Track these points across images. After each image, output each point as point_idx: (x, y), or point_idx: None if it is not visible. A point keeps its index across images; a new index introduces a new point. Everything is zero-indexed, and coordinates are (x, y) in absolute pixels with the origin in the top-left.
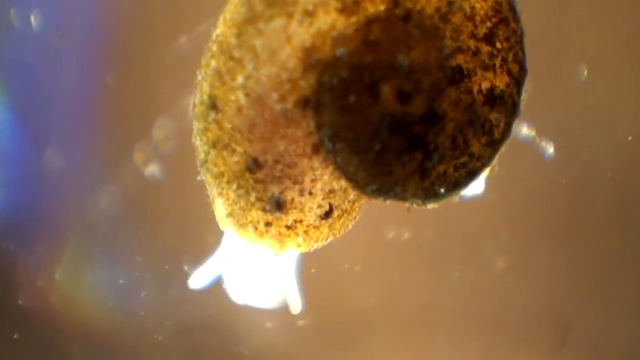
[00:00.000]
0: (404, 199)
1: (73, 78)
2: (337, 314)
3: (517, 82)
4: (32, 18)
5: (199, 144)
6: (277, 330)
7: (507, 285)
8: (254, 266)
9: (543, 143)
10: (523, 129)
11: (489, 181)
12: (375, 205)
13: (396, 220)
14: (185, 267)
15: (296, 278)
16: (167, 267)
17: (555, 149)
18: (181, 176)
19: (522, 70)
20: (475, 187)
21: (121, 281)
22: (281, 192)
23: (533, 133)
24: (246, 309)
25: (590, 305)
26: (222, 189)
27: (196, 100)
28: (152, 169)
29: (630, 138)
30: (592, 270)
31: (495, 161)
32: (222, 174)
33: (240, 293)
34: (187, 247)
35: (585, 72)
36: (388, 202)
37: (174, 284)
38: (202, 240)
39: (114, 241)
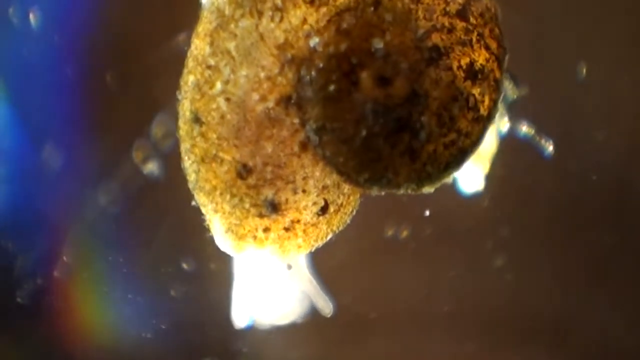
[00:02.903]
0: (398, 186)
1: (72, 75)
2: (336, 311)
3: (497, 58)
4: (30, 16)
5: (188, 164)
6: (276, 327)
7: (506, 283)
8: (273, 287)
9: (542, 141)
10: (522, 128)
11: (488, 179)
12: (373, 203)
13: (395, 218)
14: (185, 265)
15: (315, 281)
16: (166, 265)
17: (555, 148)
18: (180, 174)
19: (501, 47)
20: (475, 185)
21: (120, 279)
22: (275, 194)
23: (532, 131)
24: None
25: (589, 303)
26: (217, 203)
27: (180, 123)
28: (151, 167)
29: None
30: (591, 268)
31: (493, 160)
32: (214, 188)
33: (269, 317)
34: (187, 246)
35: (584, 71)
36: (385, 199)
37: (174, 281)
38: (202, 238)
39: (113, 239)
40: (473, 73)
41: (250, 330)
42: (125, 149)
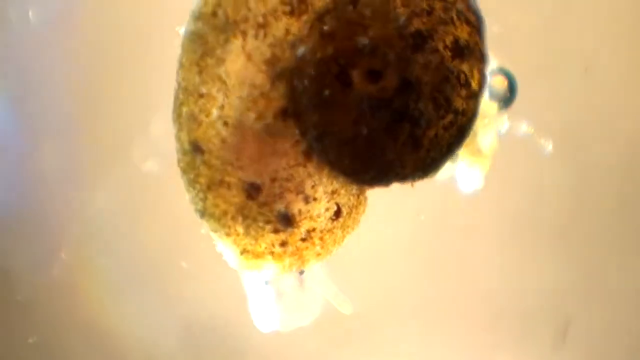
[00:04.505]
0: (405, 177)
1: (71, 74)
2: (337, 311)
3: (478, 30)
4: (29, 14)
5: (194, 195)
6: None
7: (506, 282)
8: (289, 290)
9: (542, 140)
10: (522, 126)
11: (487, 178)
12: (373, 203)
13: (394, 218)
14: (184, 264)
15: (329, 280)
16: (165, 264)
17: (554, 146)
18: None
19: (479, 18)
20: (475, 184)
21: (119, 279)
22: (287, 207)
23: (532, 130)
24: (244, 306)
25: (589, 302)
26: (229, 227)
27: (178, 157)
28: (150, 166)
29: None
30: (592, 266)
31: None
32: (225, 213)
33: (289, 320)
34: (186, 245)
35: (585, 70)
36: (386, 199)
37: (173, 281)
38: (202, 238)
39: (111, 238)
40: (459, 50)
41: (250, 330)
42: (125, 147)
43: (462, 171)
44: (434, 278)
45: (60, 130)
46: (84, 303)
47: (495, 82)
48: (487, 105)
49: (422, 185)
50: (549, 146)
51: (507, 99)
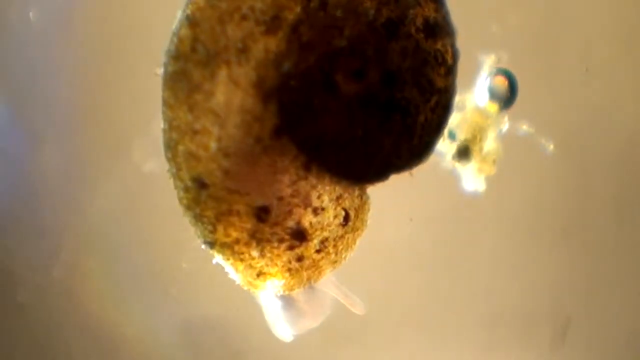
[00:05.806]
0: (403, 167)
1: (71, 74)
2: (335, 311)
3: (442, 3)
4: (30, 14)
5: (202, 228)
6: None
7: (505, 282)
8: (300, 294)
9: (542, 140)
10: (522, 127)
11: (488, 178)
12: (373, 204)
13: (393, 218)
14: (184, 265)
15: (338, 282)
16: (166, 264)
17: (555, 147)
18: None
19: None
20: (475, 185)
21: (120, 279)
22: (298, 222)
23: (532, 130)
24: (244, 306)
25: (589, 302)
26: (243, 253)
27: (180, 195)
28: (151, 166)
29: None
30: (591, 266)
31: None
32: (237, 241)
33: (298, 323)
34: (187, 245)
35: (586, 70)
36: (385, 200)
37: (174, 281)
38: None
39: (112, 238)
40: (431, 29)
41: (250, 330)
42: (125, 147)
43: (463, 172)
44: (434, 278)
45: (61, 130)
46: (84, 303)
47: (495, 82)
48: (487, 105)
49: (423, 186)
50: (550, 146)
51: (508, 99)
